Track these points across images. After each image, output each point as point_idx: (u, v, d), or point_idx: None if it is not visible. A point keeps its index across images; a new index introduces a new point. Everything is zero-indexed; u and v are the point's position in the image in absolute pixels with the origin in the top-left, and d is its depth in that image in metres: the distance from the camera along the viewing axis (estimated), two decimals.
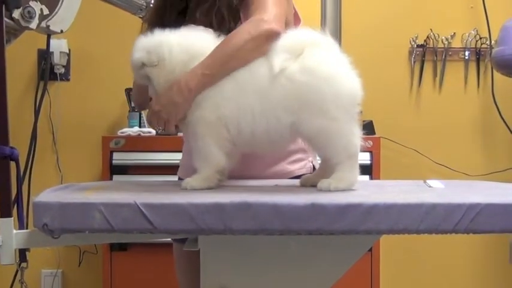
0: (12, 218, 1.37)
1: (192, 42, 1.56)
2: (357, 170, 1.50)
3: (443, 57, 3.40)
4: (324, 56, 1.48)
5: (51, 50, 3.18)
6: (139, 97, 1.92)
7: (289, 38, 1.50)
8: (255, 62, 1.51)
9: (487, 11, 3.33)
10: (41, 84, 1.97)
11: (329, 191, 1.45)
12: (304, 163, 1.91)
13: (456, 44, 3.41)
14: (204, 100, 1.51)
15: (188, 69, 1.53)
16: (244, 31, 1.56)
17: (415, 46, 3.39)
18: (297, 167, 1.88)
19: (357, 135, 1.49)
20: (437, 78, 3.42)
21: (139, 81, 1.59)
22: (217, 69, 1.51)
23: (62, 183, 2.72)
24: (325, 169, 1.53)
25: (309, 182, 1.60)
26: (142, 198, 1.29)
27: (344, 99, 1.46)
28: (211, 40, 1.58)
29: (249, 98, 1.48)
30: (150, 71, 1.53)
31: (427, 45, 3.39)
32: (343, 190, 1.46)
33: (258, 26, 1.56)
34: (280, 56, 1.46)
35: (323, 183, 1.48)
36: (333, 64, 1.48)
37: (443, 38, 3.39)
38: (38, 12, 1.58)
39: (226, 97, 1.50)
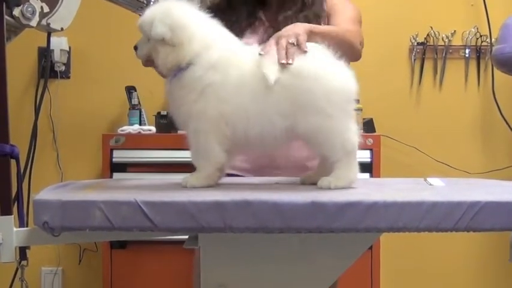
0: (13, 216, 1.37)
1: (208, 36, 1.54)
2: (356, 167, 1.50)
3: (444, 55, 3.39)
4: (309, 56, 1.49)
5: (51, 48, 3.18)
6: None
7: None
8: (252, 67, 1.50)
9: (488, 9, 3.33)
10: (41, 82, 1.98)
11: (329, 189, 1.45)
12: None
13: (456, 41, 3.40)
14: (208, 92, 1.50)
15: (195, 61, 1.50)
16: (356, 38, 1.87)
17: (416, 44, 3.39)
18: None
19: (353, 132, 1.49)
20: (438, 76, 3.42)
21: (145, 49, 1.56)
22: (328, 37, 1.64)
23: (62, 181, 2.72)
24: (325, 167, 1.53)
25: (308, 180, 1.60)
26: (142, 196, 1.29)
27: (336, 96, 1.47)
28: (222, 32, 1.58)
29: (246, 100, 1.48)
30: (162, 47, 1.51)
31: (428, 43, 3.39)
32: (343, 188, 1.46)
33: (359, 48, 1.89)
34: (272, 66, 1.47)
35: (323, 181, 1.48)
36: (319, 63, 1.49)
37: (443, 35, 3.38)
38: (38, 10, 1.58)
39: (231, 93, 1.49)
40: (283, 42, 1.52)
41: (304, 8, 1.97)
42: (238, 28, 1.90)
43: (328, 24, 1.96)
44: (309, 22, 1.80)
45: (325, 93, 1.45)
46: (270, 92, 1.46)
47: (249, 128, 1.49)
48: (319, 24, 1.91)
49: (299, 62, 1.47)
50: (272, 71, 1.46)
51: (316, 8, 1.97)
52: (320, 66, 1.48)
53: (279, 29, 1.64)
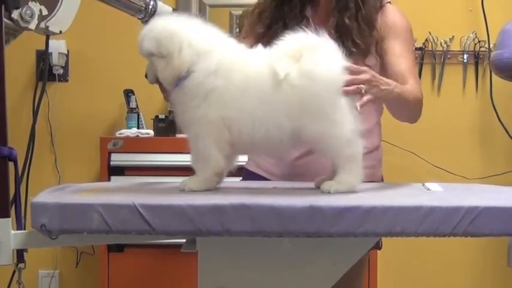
0: (10, 218, 1.37)
1: (203, 43, 1.53)
2: (359, 173, 1.48)
3: (442, 60, 3.40)
4: (321, 58, 1.46)
5: (49, 51, 3.18)
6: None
7: (288, 43, 1.49)
8: (258, 69, 1.49)
9: (486, 14, 3.33)
10: (40, 85, 1.97)
11: (329, 193, 1.45)
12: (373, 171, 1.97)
13: (455, 47, 3.41)
14: (212, 97, 1.49)
15: (195, 68, 1.50)
16: (417, 93, 1.92)
17: (414, 49, 3.39)
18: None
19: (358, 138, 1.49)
20: (436, 81, 3.42)
21: (151, 72, 1.57)
22: (398, 97, 1.74)
23: (60, 184, 2.72)
24: (331, 171, 1.53)
25: (322, 184, 1.58)
26: (140, 199, 1.29)
27: (343, 102, 1.46)
28: (222, 38, 1.57)
29: (251, 102, 1.47)
30: (157, 61, 1.51)
31: (426, 48, 3.40)
32: (343, 193, 1.45)
33: (419, 93, 1.94)
34: (283, 61, 1.46)
35: (325, 185, 1.48)
36: (331, 66, 1.47)
37: (442, 41, 3.39)
38: (37, 12, 1.58)
39: (235, 96, 1.48)
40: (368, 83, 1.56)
41: (358, 14, 1.91)
42: (283, 27, 1.88)
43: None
44: (363, 32, 1.88)
45: (333, 98, 1.45)
46: (277, 92, 1.45)
47: (255, 131, 1.48)
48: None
49: (309, 63, 1.45)
50: (282, 66, 1.45)
51: (368, 16, 1.93)
52: (330, 69, 1.46)
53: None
